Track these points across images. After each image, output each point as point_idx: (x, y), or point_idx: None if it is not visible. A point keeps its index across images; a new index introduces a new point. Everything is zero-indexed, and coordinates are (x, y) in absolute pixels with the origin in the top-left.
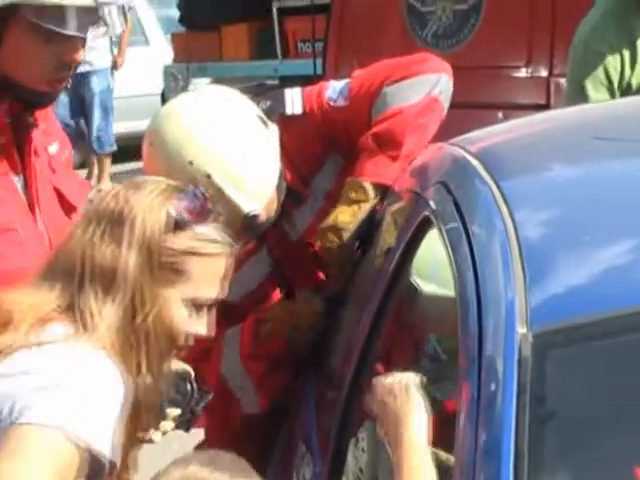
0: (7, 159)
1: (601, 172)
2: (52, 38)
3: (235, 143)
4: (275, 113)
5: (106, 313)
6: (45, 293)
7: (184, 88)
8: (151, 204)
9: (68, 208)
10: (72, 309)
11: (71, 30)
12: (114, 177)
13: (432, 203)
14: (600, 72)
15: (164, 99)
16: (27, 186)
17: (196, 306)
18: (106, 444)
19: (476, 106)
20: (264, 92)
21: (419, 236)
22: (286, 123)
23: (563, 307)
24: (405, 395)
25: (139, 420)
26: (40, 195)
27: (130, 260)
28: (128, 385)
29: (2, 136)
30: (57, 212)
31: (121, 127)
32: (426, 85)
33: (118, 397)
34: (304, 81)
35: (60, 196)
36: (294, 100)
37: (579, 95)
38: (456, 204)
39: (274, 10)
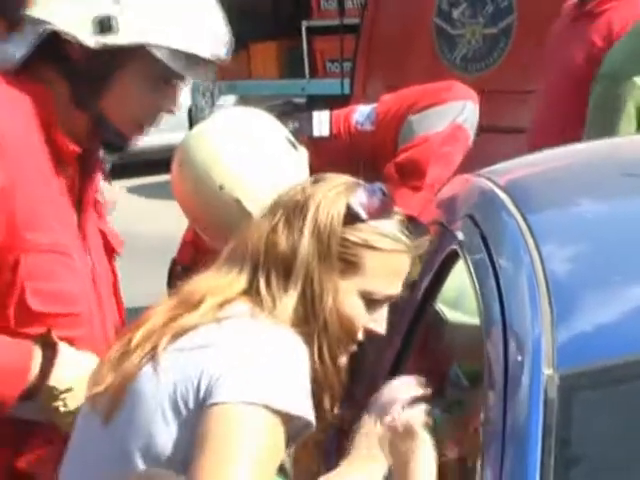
0: (69, 191)
1: (630, 209)
2: (162, 85)
3: (266, 168)
4: (303, 135)
5: (286, 298)
6: (225, 277)
7: (212, 104)
8: (332, 195)
9: (110, 252)
10: (252, 293)
11: (195, 78)
12: (144, 189)
13: (459, 236)
14: (632, 103)
15: (191, 115)
16: (80, 222)
17: (371, 301)
18: (306, 405)
19: (505, 130)
20: (291, 110)
21: (446, 269)
22: (313, 146)
23: (591, 347)
24: (410, 437)
25: (319, 406)
26: (89, 234)
27: (309, 248)
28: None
29: (71, 167)
30: (102, 254)
31: (149, 140)
32: (451, 113)
33: (306, 366)
34: (331, 101)
35: (105, 240)
36: (322, 123)
37: (607, 125)
38: (483, 237)
39: (303, 29)
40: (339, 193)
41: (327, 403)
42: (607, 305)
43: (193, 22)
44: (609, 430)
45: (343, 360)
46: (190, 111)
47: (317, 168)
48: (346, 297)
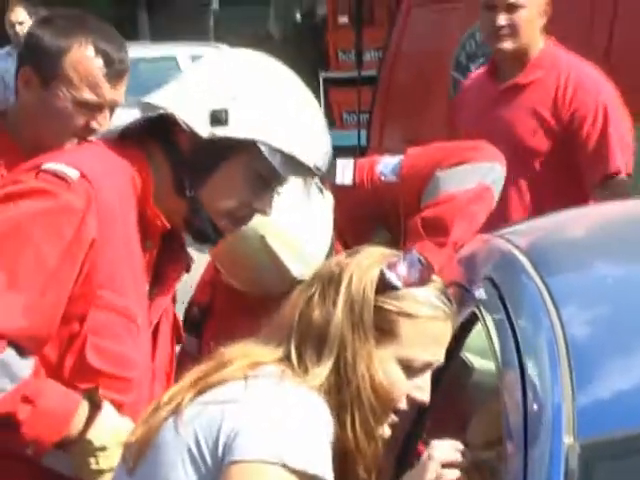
0: (147, 265)
1: None
2: (260, 185)
3: (293, 206)
4: (325, 182)
5: (318, 369)
6: (261, 346)
7: None
8: (366, 265)
9: (176, 335)
10: (285, 362)
11: (285, 181)
12: None
13: (479, 298)
14: None
15: None
16: (152, 297)
17: (411, 368)
18: (324, 465)
19: None
20: None
21: (466, 331)
22: (336, 193)
23: (613, 416)
24: (423, 468)
25: (351, 476)
26: (163, 310)
27: (342, 318)
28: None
29: (154, 242)
30: (167, 335)
31: None
32: (479, 173)
33: (329, 429)
34: (348, 152)
35: (175, 323)
36: (345, 171)
37: None
38: (502, 300)
39: (321, 80)
40: (373, 262)
41: (362, 473)
42: (629, 371)
43: (302, 128)
44: None
45: (381, 430)
46: None
47: (337, 216)
48: (383, 365)
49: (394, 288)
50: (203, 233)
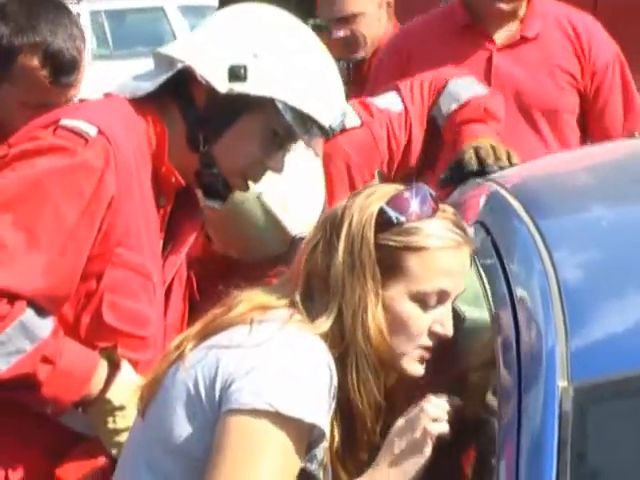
0: (161, 222)
1: None
2: (273, 144)
3: (289, 165)
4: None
5: (324, 317)
6: (271, 293)
7: None
8: (366, 203)
9: (189, 292)
10: (294, 307)
11: (306, 142)
12: None
13: None
14: None
15: None
16: (166, 255)
17: (427, 302)
18: (320, 413)
19: None
20: None
21: None
22: (345, 136)
23: (606, 358)
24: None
25: (358, 427)
26: (176, 267)
27: (341, 262)
28: (338, 382)
29: (168, 199)
30: (180, 291)
31: None
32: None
33: (329, 378)
34: None
35: (189, 281)
36: (348, 114)
37: None
38: (494, 244)
39: None
40: (374, 200)
41: (369, 423)
42: (622, 313)
43: (320, 88)
44: (628, 445)
45: (409, 369)
46: None
47: (350, 159)
48: (396, 304)
49: (397, 224)
50: (214, 188)
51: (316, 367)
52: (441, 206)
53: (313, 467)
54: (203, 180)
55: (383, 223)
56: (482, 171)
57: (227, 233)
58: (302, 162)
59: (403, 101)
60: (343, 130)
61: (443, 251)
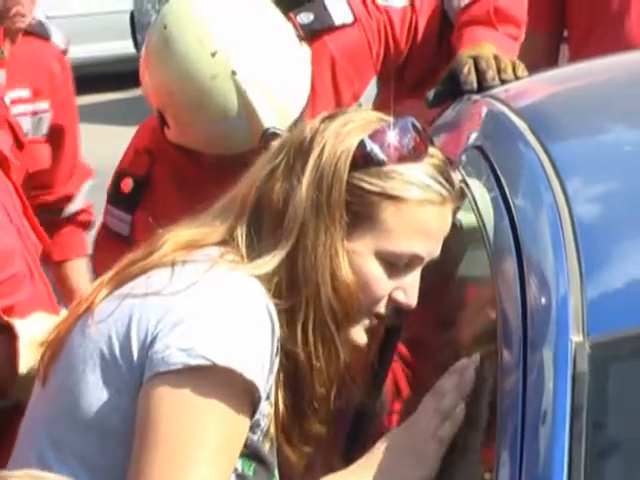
0: None
1: None
2: None
3: (268, 40)
4: (323, 26)
5: (268, 256)
6: (204, 226)
7: (158, 6)
8: (344, 132)
9: (5, 165)
10: (230, 245)
11: None
12: (86, 110)
13: (465, 172)
14: None
15: (134, 20)
16: None
17: (394, 265)
18: (257, 372)
19: None
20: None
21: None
22: (335, 36)
23: (629, 308)
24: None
25: (306, 393)
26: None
27: (305, 197)
28: (281, 334)
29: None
30: (3, 179)
31: (79, 52)
32: None
33: (267, 325)
34: None
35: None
36: (339, 9)
37: None
38: (495, 173)
39: None
40: (354, 129)
41: (318, 388)
42: None
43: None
44: None
45: (346, 337)
46: (132, 16)
47: (341, 59)
48: (359, 261)
49: (377, 163)
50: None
51: (253, 311)
52: (430, 149)
53: (256, 437)
54: None
55: (361, 159)
56: (480, 86)
57: (188, 116)
58: (287, 46)
59: None
60: (331, 27)
61: (424, 206)
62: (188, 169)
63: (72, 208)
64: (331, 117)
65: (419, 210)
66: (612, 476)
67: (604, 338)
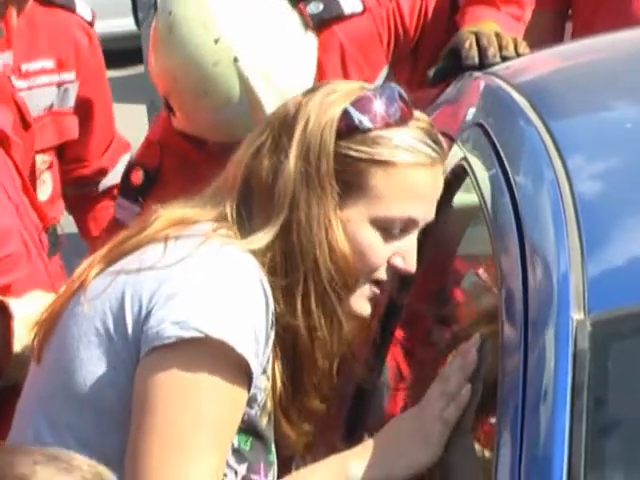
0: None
1: None
2: None
3: (271, 27)
4: (332, 15)
5: (261, 233)
6: (197, 206)
7: None
8: (327, 102)
9: (6, 144)
10: (223, 222)
11: None
12: None
13: (466, 150)
14: None
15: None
16: None
17: (390, 230)
18: (249, 345)
19: None
20: None
21: (451, 190)
22: (345, 25)
23: (630, 286)
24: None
25: (306, 368)
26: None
27: (293, 170)
28: (278, 308)
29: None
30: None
31: None
32: None
33: (261, 297)
34: None
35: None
36: None
37: None
38: (496, 150)
39: None
40: (338, 99)
41: (321, 361)
42: None
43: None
44: None
45: (349, 308)
46: None
47: (351, 49)
48: (353, 229)
49: (362, 130)
50: None
51: (246, 284)
52: (415, 113)
53: (253, 412)
54: None
55: (346, 128)
56: (482, 63)
57: (192, 102)
58: (291, 34)
59: None
60: (341, 17)
61: (414, 169)
62: (196, 159)
63: (108, 182)
64: (313, 89)
65: (409, 173)
66: (613, 454)
67: (605, 316)
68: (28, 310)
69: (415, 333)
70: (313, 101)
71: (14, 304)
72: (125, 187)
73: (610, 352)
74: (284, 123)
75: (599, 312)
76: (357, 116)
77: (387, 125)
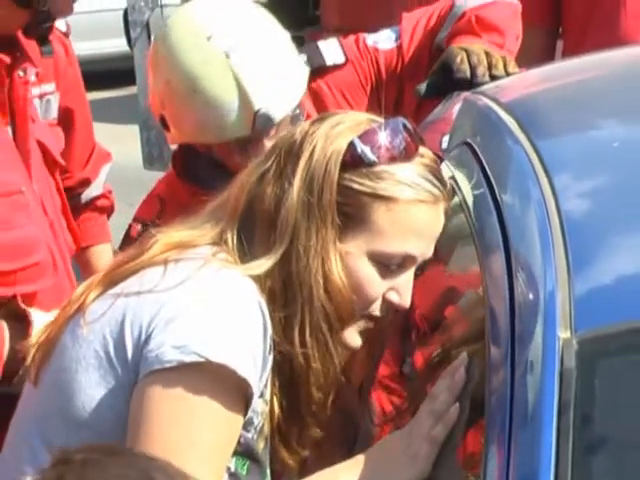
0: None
1: None
2: None
3: (262, 26)
4: (314, 66)
5: (262, 261)
6: (195, 229)
7: (153, 5)
8: (334, 133)
9: (52, 165)
10: (222, 246)
11: None
12: None
13: (453, 168)
14: None
15: (127, 19)
16: (17, 138)
17: (388, 266)
18: (250, 369)
19: None
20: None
21: None
22: (328, 76)
23: (616, 304)
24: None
25: (303, 396)
26: (30, 150)
27: (296, 199)
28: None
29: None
30: (44, 173)
31: (81, 49)
32: None
33: (259, 321)
34: None
35: (44, 152)
36: (332, 50)
37: None
38: (483, 169)
39: None
40: (344, 130)
41: (315, 393)
42: (636, 251)
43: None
44: (639, 405)
45: (341, 340)
46: (126, 14)
47: (332, 99)
48: (351, 262)
49: (367, 164)
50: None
51: (246, 308)
52: (421, 149)
53: (250, 435)
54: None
55: (351, 160)
56: (471, 82)
57: (184, 102)
58: (281, 34)
59: (400, 36)
60: (322, 67)
61: (415, 205)
62: (197, 211)
63: (91, 193)
64: (321, 119)
65: (411, 210)
66: (599, 472)
67: (591, 334)
68: (48, 320)
69: (405, 347)
70: (320, 131)
71: (35, 314)
72: (125, 242)
73: (597, 370)
74: (290, 151)
75: (585, 330)
76: (363, 149)
77: (392, 159)
